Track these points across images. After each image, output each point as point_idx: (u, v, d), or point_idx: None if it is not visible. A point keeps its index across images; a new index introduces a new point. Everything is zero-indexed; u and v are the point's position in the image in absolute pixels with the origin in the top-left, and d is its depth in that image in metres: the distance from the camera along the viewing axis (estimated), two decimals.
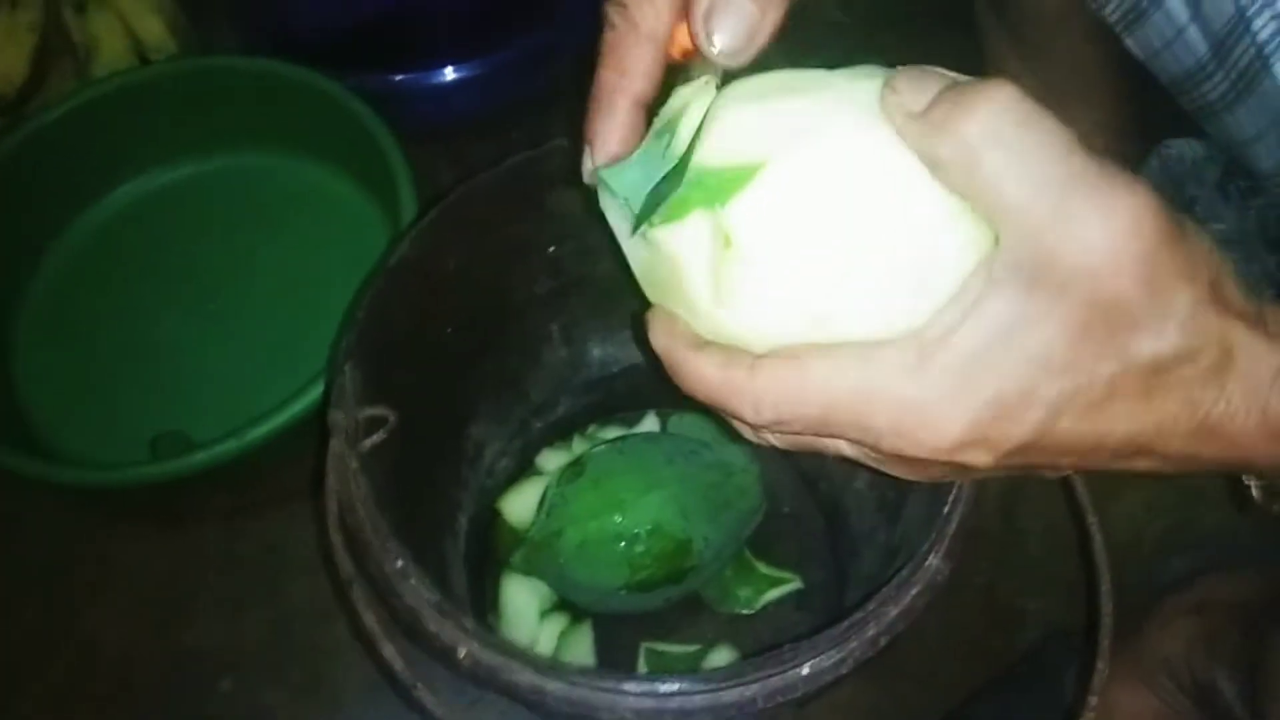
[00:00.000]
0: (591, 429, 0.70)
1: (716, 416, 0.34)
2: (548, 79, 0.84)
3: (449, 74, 0.79)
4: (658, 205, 0.32)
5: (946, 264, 0.30)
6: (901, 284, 0.30)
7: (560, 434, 0.69)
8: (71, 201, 0.82)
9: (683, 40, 0.36)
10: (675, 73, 0.37)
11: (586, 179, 0.36)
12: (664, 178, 0.33)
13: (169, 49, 0.86)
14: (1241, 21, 0.47)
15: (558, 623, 0.64)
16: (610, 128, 0.35)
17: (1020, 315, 0.28)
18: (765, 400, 0.31)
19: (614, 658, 0.63)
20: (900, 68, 0.31)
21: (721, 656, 0.63)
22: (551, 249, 0.56)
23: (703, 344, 0.33)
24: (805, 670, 0.40)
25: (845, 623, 0.40)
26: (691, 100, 0.34)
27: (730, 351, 0.32)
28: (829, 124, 0.31)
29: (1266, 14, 0.46)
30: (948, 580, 0.42)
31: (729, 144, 0.32)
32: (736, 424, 0.34)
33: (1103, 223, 0.27)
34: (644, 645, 0.63)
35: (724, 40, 0.33)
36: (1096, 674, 0.44)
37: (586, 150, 0.36)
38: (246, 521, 0.71)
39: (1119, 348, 0.28)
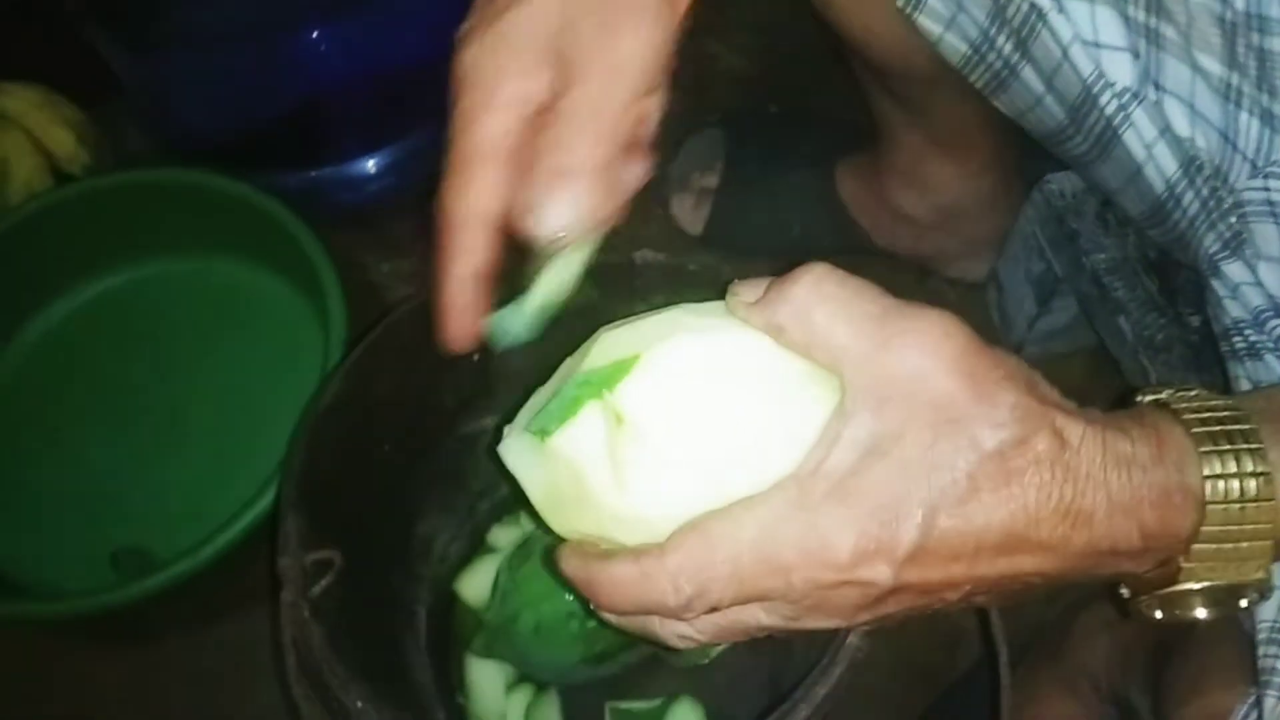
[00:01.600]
0: None
1: (648, 644, 0.37)
2: None
3: (365, 164, 0.81)
4: (550, 416, 0.35)
5: (807, 416, 0.34)
6: (774, 438, 0.34)
7: (507, 509, 0.71)
8: (5, 323, 0.83)
9: None
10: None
11: (443, 349, 0.41)
12: (549, 400, 0.36)
13: (81, 160, 0.86)
14: (1089, 97, 0.51)
15: (524, 695, 0.66)
16: (454, 305, 0.40)
17: (876, 434, 0.32)
18: (681, 575, 0.33)
19: None
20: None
21: (684, 708, 0.66)
22: (475, 356, 0.58)
23: (612, 555, 0.35)
24: None
25: (778, 710, 0.44)
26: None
27: (638, 550, 0.34)
28: (690, 323, 0.36)
29: (1108, 93, 0.50)
30: (868, 655, 0.45)
31: (606, 351, 0.36)
32: (663, 628, 0.36)
33: (920, 337, 0.32)
34: (609, 705, 0.66)
35: (547, 231, 0.38)
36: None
37: (438, 326, 0.41)
38: (208, 628, 0.73)
39: (966, 441, 0.31)
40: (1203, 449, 0.33)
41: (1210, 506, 0.33)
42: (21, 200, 0.84)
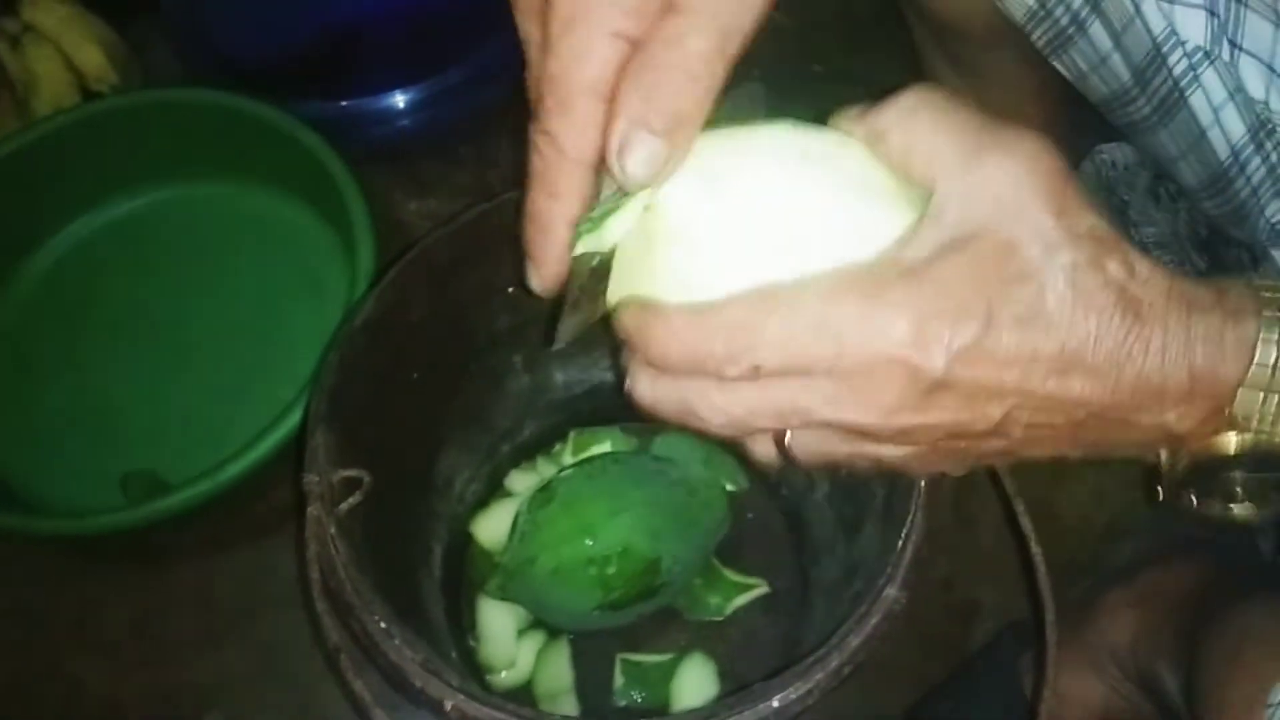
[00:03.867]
0: (557, 448, 0.72)
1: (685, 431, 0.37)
2: (492, 96, 0.84)
3: (396, 98, 0.80)
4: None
5: (890, 219, 0.35)
6: (853, 232, 0.35)
7: (527, 455, 0.70)
8: (21, 242, 0.82)
9: None
10: None
11: (536, 290, 0.40)
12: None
13: (110, 79, 0.85)
14: (1158, 55, 0.50)
15: (535, 640, 0.66)
16: (551, 249, 0.38)
17: (956, 233, 0.33)
18: (735, 326, 0.33)
19: (591, 671, 0.65)
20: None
21: (696, 663, 0.65)
22: (511, 289, 0.58)
23: (670, 306, 0.35)
24: (775, 703, 0.42)
25: (810, 658, 0.43)
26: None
27: (697, 303, 0.35)
28: (788, 124, 0.37)
29: (1179, 52, 0.49)
30: (905, 608, 0.44)
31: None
32: (701, 399, 0.35)
33: (1016, 151, 0.33)
34: (619, 657, 0.66)
35: (639, 176, 0.36)
36: (1049, 666, 0.47)
37: (530, 267, 0.39)
38: (221, 556, 0.72)
39: (1042, 251, 0.32)
40: (1265, 312, 0.34)
41: (1258, 364, 0.33)
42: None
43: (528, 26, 0.39)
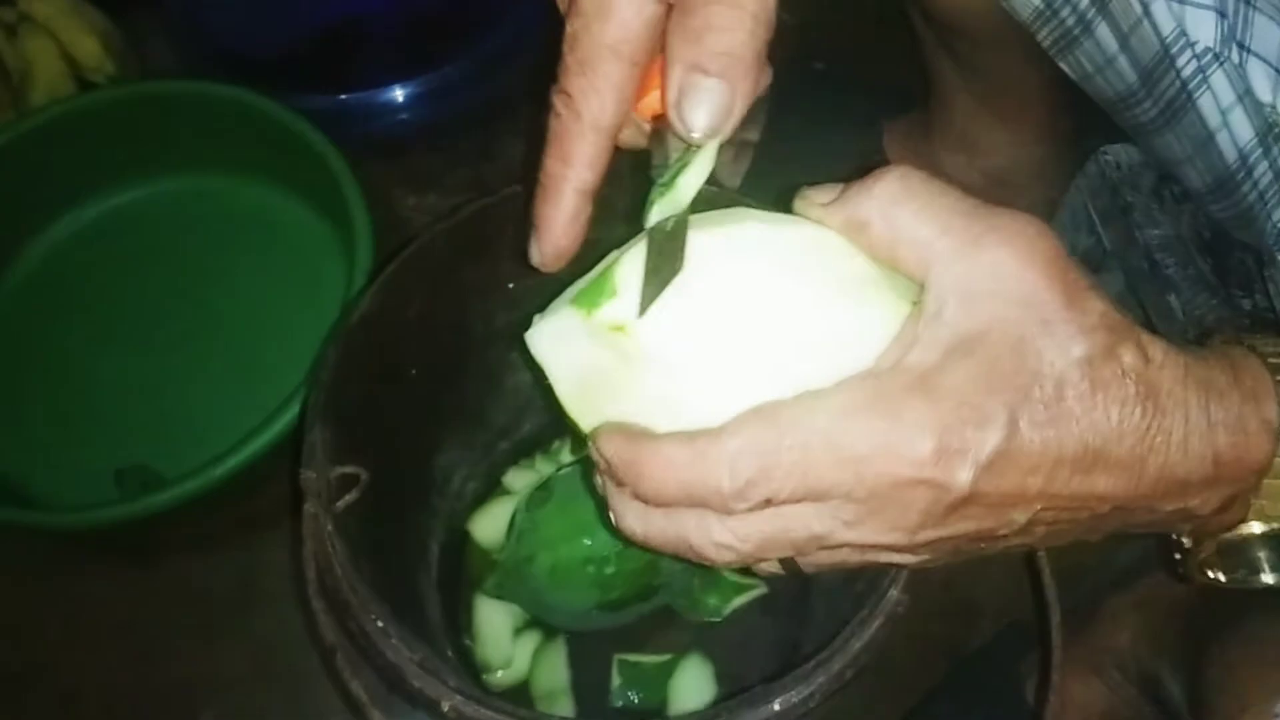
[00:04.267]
0: (555, 445, 0.71)
1: (685, 562, 0.34)
2: (492, 90, 0.84)
3: (396, 92, 0.79)
4: (598, 290, 0.34)
5: (883, 315, 0.33)
6: (846, 334, 0.32)
7: (525, 453, 0.70)
8: (15, 233, 0.81)
9: (654, 105, 0.37)
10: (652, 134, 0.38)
11: (534, 262, 0.37)
12: (593, 279, 0.35)
13: (106, 70, 0.84)
14: (1167, 57, 0.49)
15: (531, 640, 0.65)
16: (556, 217, 0.36)
17: (960, 332, 0.31)
18: (741, 457, 0.31)
19: (588, 671, 0.64)
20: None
21: (693, 664, 0.65)
22: (510, 285, 0.57)
23: (662, 436, 0.32)
24: (776, 706, 0.42)
25: (812, 660, 0.42)
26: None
27: (693, 432, 0.32)
28: (758, 215, 0.35)
29: (1188, 53, 0.48)
30: (908, 610, 0.44)
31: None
32: (700, 534, 0.33)
33: (1012, 236, 0.31)
34: (617, 657, 0.65)
35: (702, 123, 0.34)
36: (1054, 670, 0.47)
37: (533, 236, 0.37)
38: (215, 551, 0.72)
39: (1055, 345, 0.31)
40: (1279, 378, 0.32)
41: None
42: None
43: None
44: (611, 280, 0.33)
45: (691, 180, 0.35)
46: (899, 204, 0.32)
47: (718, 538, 0.33)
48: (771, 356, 0.32)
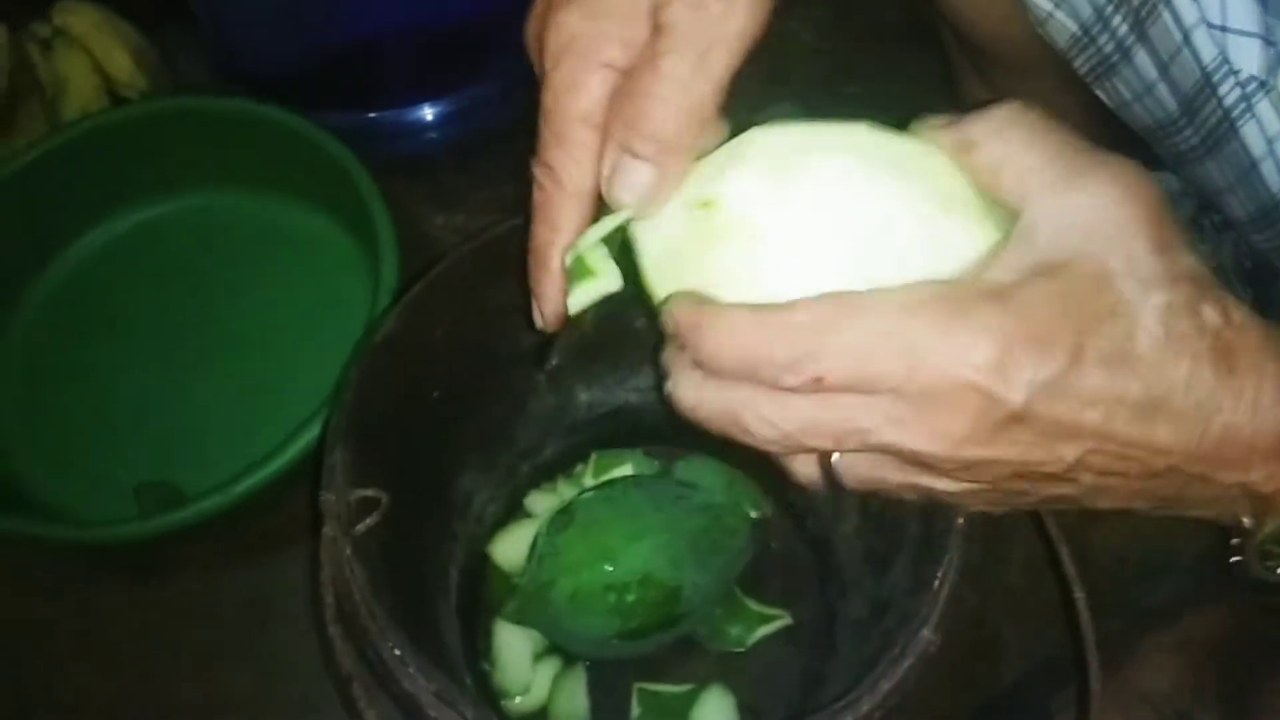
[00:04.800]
0: (578, 469, 0.70)
1: (722, 444, 0.35)
2: (520, 110, 0.83)
3: (424, 110, 0.79)
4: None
5: (974, 233, 0.33)
6: (934, 243, 0.33)
7: (547, 476, 0.69)
8: (46, 246, 0.81)
9: None
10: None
11: (538, 327, 0.40)
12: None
13: (139, 85, 0.85)
14: (1208, 85, 0.48)
15: (551, 667, 0.64)
16: (552, 283, 0.38)
17: (1045, 259, 0.31)
18: (801, 330, 0.31)
19: (607, 700, 0.63)
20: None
21: (715, 696, 0.64)
22: None
23: (728, 303, 0.33)
24: None
25: (841, 701, 0.41)
26: None
27: (759, 304, 0.33)
28: (866, 127, 0.35)
29: (1231, 80, 0.47)
30: (938, 650, 0.43)
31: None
32: (749, 409, 0.33)
33: (1116, 177, 0.31)
34: (637, 686, 0.64)
35: (627, 200, 0.36)
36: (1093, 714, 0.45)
37: (534, 303, 0.39)
38: (229, 571, 0.71)
39: (1138, 287, 0.30)
40: None
41: None
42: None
43: (532, 59, 0.40)
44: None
45: (592, 234, 0.37)
46: (1009, 129, 0.33)
47: (764, 412, 0.33)
48: (855, 251, 0.33)
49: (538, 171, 0.38)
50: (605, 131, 0.37)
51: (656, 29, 0.36)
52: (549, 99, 0.37)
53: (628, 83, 0.37)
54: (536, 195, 0.38)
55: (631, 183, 0.36)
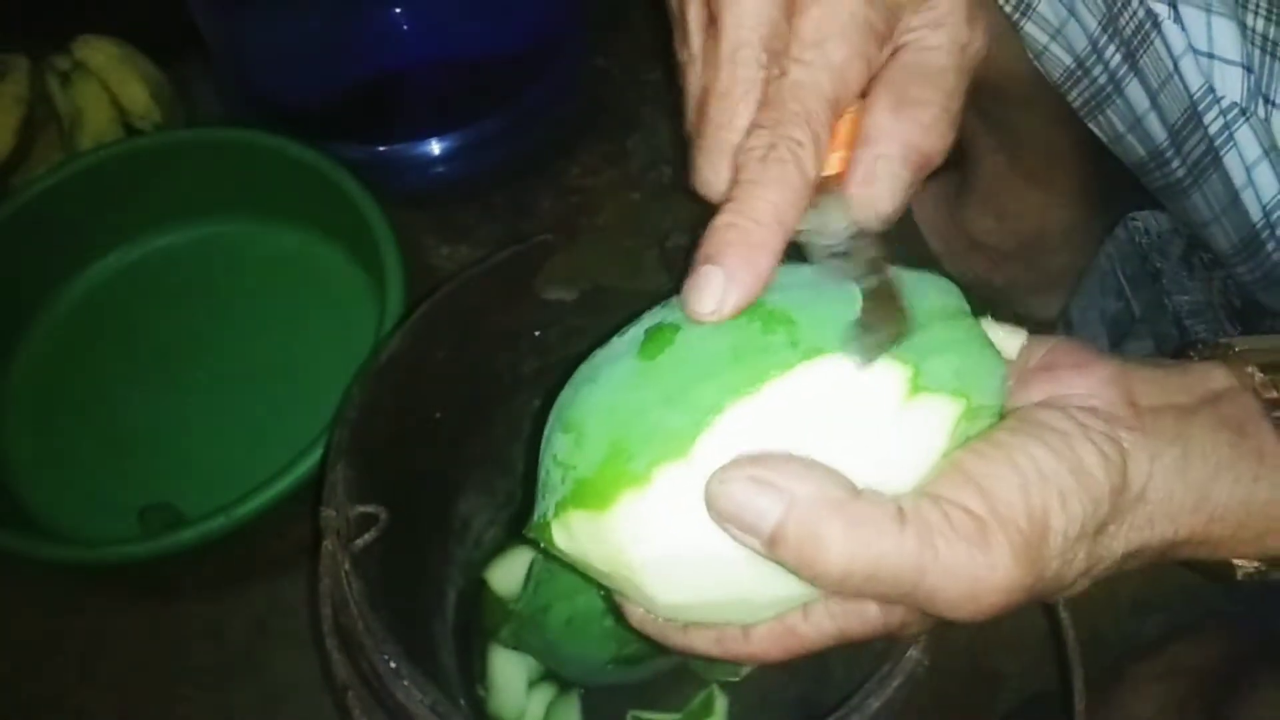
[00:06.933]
0: None
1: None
2: (526, 145, 0.85)
3: (433, 145, 0.81)
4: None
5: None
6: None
7: None
8: (57, 273, 0.83)
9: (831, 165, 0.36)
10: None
11: (711, 311, 0.32)
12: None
13: (154, 118, 0.86)
14: (1195, 114, 0.49)
15: (546, 693, 0.64)
16: (765, 266, 0.32)
17: None
18: (769, 657, 0.33)
19: None
20: None
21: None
22: (537, 333, 0.58)
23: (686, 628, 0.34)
24: None
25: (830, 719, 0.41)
26: None
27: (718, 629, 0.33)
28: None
29: (1215, 109, 0.48)
30: (927, 673, 0.43)
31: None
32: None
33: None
34: (631, 714, 0.64)
35: (881, 204, 0.33)
36: None
37: (718, 277, 0.31)
38: (233, 592, 0.72)
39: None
40: None
41: None
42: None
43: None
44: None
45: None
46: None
47: None
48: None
49: (775, 141, 0.33)
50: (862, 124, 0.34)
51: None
52: (801, 70, 0.33)
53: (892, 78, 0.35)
54: (767, 170, 0.33)
55: (894, 195, 0.33)
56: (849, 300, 0.32)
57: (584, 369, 0.34)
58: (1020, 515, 0.29)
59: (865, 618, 0.32)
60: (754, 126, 0.34)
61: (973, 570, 0.28)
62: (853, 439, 0.30)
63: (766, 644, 0.33)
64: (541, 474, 0.35)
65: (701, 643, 0.34)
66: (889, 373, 0.30)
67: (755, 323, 0.31)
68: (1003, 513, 0.29)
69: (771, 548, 0.29)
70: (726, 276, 0.31)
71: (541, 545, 0.34)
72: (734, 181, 0.33)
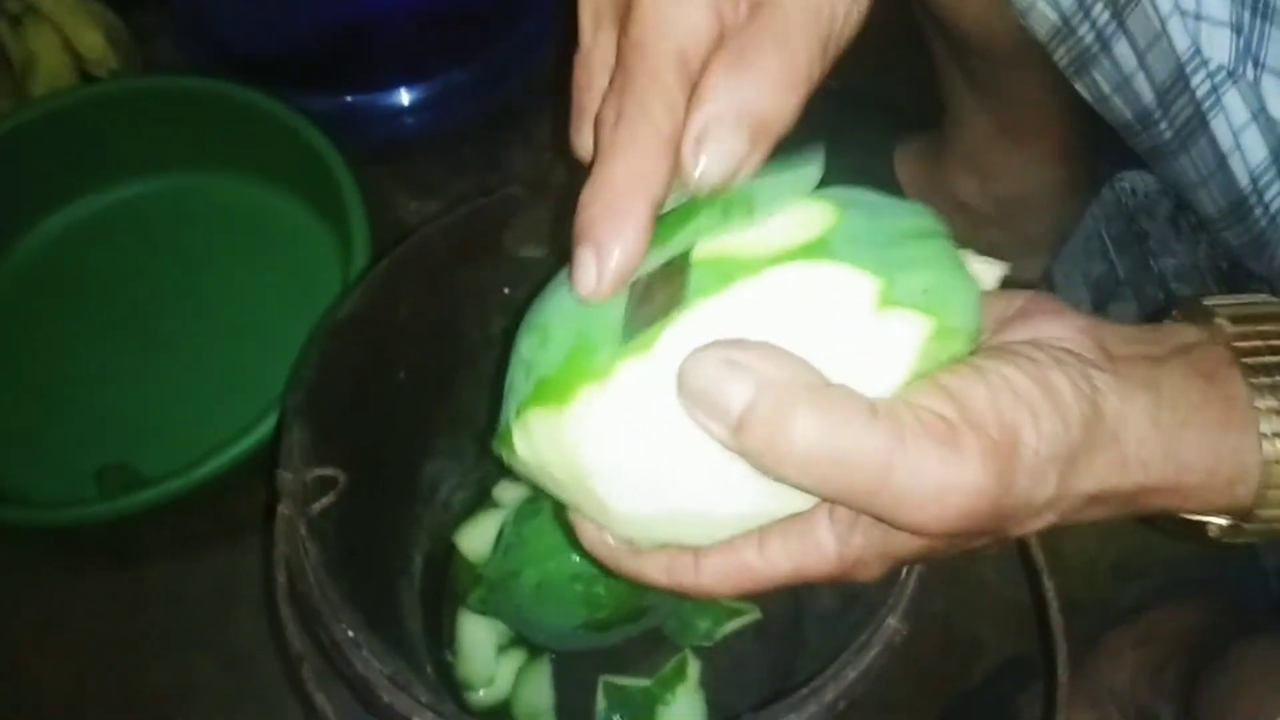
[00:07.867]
0: None
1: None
2: (497, 98, 0.83)
3: (401, 95, 0.78)
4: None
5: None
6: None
7: None
8: (8, 227, 0.80)
9: None
10: None
11: (592, 291, 0.31)
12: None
13: (110, 64, 0.83)
14: (1182, 76, 0.48)
15: (515, 658, 0.63)
16: (634, 234, 0.30)
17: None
18: (718, 590, 0.31)
19: (572, 692, 0.62)
20: None
21: (684, 690, 0.63)
22: (507, 290, 0.55)
23: (638, 550, 0.32)
24: None
25: (805, 689, 0.40)
26: None
27: (670, 553, 0.32)
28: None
29: (1202, 72, 0.47)
30: (904, 642, 0.42)
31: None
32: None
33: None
34: (602, 679, 0.63)
35: (709, 167, 0.31)
36: (1059, 708, 0.45)
37: (590, 253, 0.30)
38: (194, 555, 0.70)
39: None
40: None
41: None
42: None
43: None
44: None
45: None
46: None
47: None
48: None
49: (623, 106, 0.31)
50: (697, 85, 0.31)
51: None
52: (640, 26, 0.31)
53: (740, 33, 0.32)
54: (617, 135, 0.31)
55: (717, 153, 0.30)
56: (824, 208, 0.32)
57: (558, 277, 0.34)
58: (991, 424, 0.28)
59: (822, 552, 0.31)
60: (606, 93, 0.33)
61: (941, 469, 0.27)
62: (819, 345, 0.29)
63: (717, 577, 0.31)
64: (507, 382, 0.34)
65: (652, 569, 0.32)
66: (860, 283, 0.29)
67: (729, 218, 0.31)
68: (974, 419, 0.28)
69: (738, 433, 0.27)
70: (596, 253, 0.30)
71: (505, 461, 0.33)
72: (594, 152, 0.32)
